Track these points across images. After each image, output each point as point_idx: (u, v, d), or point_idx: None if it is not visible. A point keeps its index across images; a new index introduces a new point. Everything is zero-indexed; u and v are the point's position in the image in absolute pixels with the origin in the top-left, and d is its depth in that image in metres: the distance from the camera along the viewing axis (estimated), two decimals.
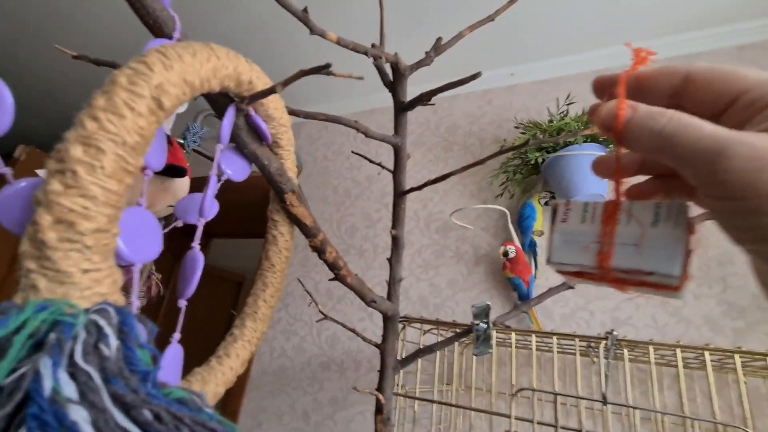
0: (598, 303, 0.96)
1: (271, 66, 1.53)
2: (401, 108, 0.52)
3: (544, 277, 1.04)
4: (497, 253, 1.11)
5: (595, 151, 0.94)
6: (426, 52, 0.51)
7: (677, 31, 1.08)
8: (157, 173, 0.42)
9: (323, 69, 0.24)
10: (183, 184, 0.43)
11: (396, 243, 0.58)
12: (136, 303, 0.20)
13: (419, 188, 0.53)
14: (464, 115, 1.35)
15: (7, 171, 0.18)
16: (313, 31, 0.39)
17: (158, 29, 0.25)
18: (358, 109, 1.59)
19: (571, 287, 0.55)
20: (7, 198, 0.17)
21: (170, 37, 0.25)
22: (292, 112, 0.49)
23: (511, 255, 1.00)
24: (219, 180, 0.30)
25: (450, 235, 1.20)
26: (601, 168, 0.22)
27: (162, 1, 0.25)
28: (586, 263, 0.20)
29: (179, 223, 0.29)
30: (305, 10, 0.37)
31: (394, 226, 0.57)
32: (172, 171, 0.41)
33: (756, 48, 1.02)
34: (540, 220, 1.05)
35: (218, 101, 0.28)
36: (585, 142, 0.94)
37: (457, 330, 0.60)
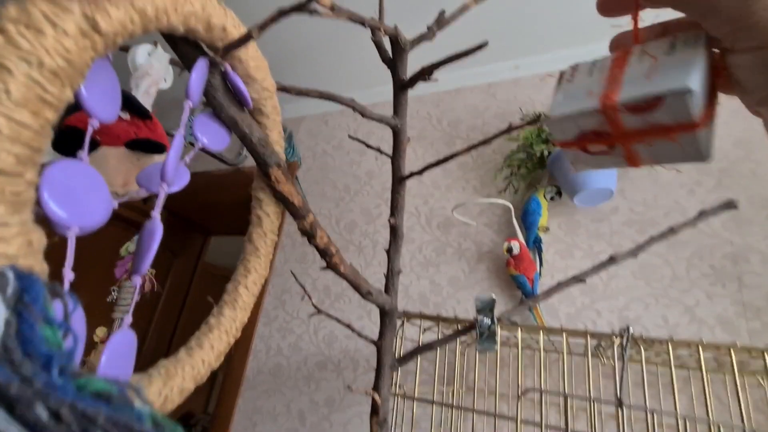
0: (605, 302, 0.92)
1: (277, 68, 1.51)
2: (401, 86, 0.48)
3: (550, 274, 1.00)
4: (500, 250, 1.07)
5: None
6: (428, 26, 0.48)
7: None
8: (131, 148, 0.39)
9: (305, 7, 0.20)
10: (151, 158, 0.39)
11: (394, 233, 0.54)
12: (70, 275, 0.16)
13: (419, 173, 0.49)
14: (467, 109, 1.31)
15: None
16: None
17: None
18: (365, 101, 1.55)
19: (582, 281, 0.51)
20: None
21: None
22: (282, 89, 0.45)
23: (515, 251, 0.97)
24: (193, 148, 0.26)
25: (452, 232, 1.17)
26: (617, 42, 0.21)
27: None
28: (588, 107, 0.18)
29: (142, 192, 0.25)
30: None
31: (392, 214, 0.54)
32: (149, 146, 0.37)
33: None
34: (545, 216, 1.01)
35: (187, 54, 0.24)
36: None
37: (459, 326, 0.56)
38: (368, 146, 0.58)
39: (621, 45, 0.21)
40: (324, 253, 0.38)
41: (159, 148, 0.38)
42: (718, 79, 0.17)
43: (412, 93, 1.38)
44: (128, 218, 1.63)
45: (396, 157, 0.52)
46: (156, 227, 0.20)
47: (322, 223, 1.43)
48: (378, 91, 1.50)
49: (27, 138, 0.13)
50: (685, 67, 0.16)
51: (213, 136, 0.28)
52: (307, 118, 1.67)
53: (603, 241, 0.98)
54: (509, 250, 0.97)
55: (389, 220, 0.53)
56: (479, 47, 0.37)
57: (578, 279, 0.50)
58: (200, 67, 0.23)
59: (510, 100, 1.26)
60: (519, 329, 0.54)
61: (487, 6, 1.08)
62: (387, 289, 0.54)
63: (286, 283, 1.35)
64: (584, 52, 1.17)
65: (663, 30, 0.20)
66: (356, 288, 0.44)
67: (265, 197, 0.34)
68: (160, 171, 0.23)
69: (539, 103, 1.20)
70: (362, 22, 0.42)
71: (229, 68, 0.25)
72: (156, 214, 0.21)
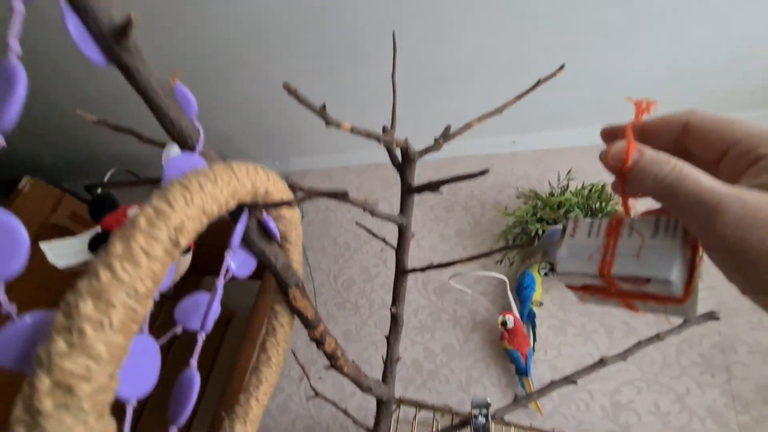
0: (597, 384, 0.93)
1: (282, 125, 1.59)
2: (408, 190, 0.52)
3: (543, 350, 1.01)
4: (495, 320, 1.09)
5: None
6: (435, 139, 0.53)
7: None
8: None
9: (340, 196, 0.24)
10: (186, 257, 0.43)
11: (395, 321, 0.57)
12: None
13: (422, 270, 0.52)
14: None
15: (12, 309, 0.17)
16: (328, 123, 0.41)
17: (183, 141, 0.26)
18: (363, 162, 1.63)
19: (573, 382, 0.53)
20: (9, 337, 0.17)
21: (193, 149, 0.26)
22: (299, 189, 0.49)
23: (510, 325, 0.98)
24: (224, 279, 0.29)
25: (447, 298, 1.18)
26: (613, 188, 0.23)
27: (188, 114, 0.26)
28: (589, 271, 0.21)
29: (178, 329, 0.28)
30: (323, 107, 0.38)
31: (394, 303, 0.56)
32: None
33: None
34: (539, 291, 1.04)
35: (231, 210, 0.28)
36: (586, 216, 0.96)
37: (454, 419, 0.57)
38: (374, 235, 0.61)
39: (611, 137, 0.23)
40: (331, 357, 0.40)
41: (187, 246, 0.41)
42: (698, 259, 0.20)
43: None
44: None
45: (400, 251, 0.55)
46: (194, 377, 0.23)
47: (320, 278, 1.45)
48: (383, 151, 1.57)
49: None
50: (667, 259, 0.19)
51: (242, 265, 0.31)
52: (312, 172, 1.73)
53: (595, 320, 1.00)
54: (504, 323, 0.99)
55: (391, 309, 0.56)
56: (482, 173, 0.42)
57: (570, 380, 0.52)
58: (243, 221, 0.27)
59: (507, 172, 1.32)
60: (512, 429, 0.55)
61: (490, 84, 1.18)
62: (385, 377, 0.56)
63: None
64: (579, 134, 1.25)
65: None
66: (358, 385, 0.46)
67: (281, 309, 0.36)
68: (201, 310, 0.26)
69: (534, 179, 1.26)
70: (377, 139, 0.47)
71: (265, 214, 0.29)
72: (193, 361, 0.24)
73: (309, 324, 0.37)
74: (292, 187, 0.47)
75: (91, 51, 0.21)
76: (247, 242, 0.31)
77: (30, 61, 1.42)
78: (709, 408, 0.83)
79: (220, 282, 0.26)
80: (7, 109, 0.16)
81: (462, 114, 1.32)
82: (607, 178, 1.10)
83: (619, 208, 0.95)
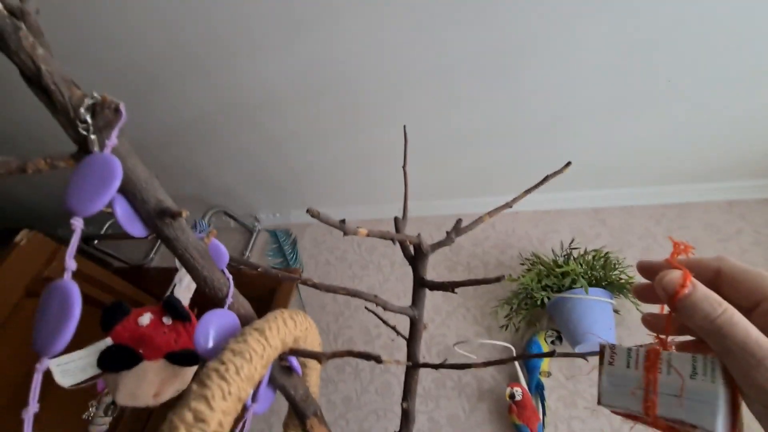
0: None
1: (283, 178, 1.61)
2: (421, 284, 0.52)
3: (553, 424, 0.97)
4: (501, 389, 1.05)
5: (602, 296, 0.94)
6: (447, 232, 0.54)
7: (671, 182, 1.17)
8: (171, 360, 0.41)
9: (372, 358, 0.23)
10: (190, 371, 0.41)
11: (406, 417, 0.54)
12: None
13: (435, 367, 0.51)
14: (468, 236, 1.38)
15: None
16: (346, 233, 0.41)
17: (213, 295, 0.25)
18: (364, 217, 1.64)
19: None
20: None
21: (223, 302, 0.25)
22: (313, 285, 0.49)
23: (518, 398, 0.95)
24: (246, 413, 0.28)
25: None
26: (648, 323, 0.25)
27: (220, 265, 0.26)
28: (633, 408, 0.21)
29: None
30: (342, 221, 0.39)
31: (404, 398, 0.54)
32: (187, 359, 0.39)
33: (745, 205, 1.09)
34: (547, 360, 1.01)
35: None
36: (590, 285, 0.95)
37: None
38: (386, 324, 0.60)
39: (649, 272, 0.24)
40: None
41: (195, 359, 0.40)
42: (740, 402, 0.20)
43: (416, 212, 1.46)
44: None
45: (412, 343, 0.54)
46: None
47: (321, 335, 1.41)
48: (389, 207, 1.58)
49: None
50: (711, 407, 0.19)
51: (262, 401, 0.30)
52: (313, 225, 1.74)
53: None
54: (512, 396, 0.96)
55: (402, 405, 0.54)
56: (497, 279, 0.42)
57: None
58: (269, 370, 0.26)
59: (508, 232, 1.33)
60: None
61: (491, 146, 1.21)
62: None
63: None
64: (578, 197, 1.28)
65: (682, 326, 0.23)
66: None
67: None
68: None
69: (535, 239, 1.27)
70: (392, 239, 0.47)
71: (292, 359, 0.28)
72: None
73: None
74: (313, 285, 0.47)
75: (134, 228, 0.21)
76: (269, 379, 0.30)
77: (36, 106, 1.46)
78: None
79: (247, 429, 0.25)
80: (64, 328, 0.16)
81: (458, 178, 1.35)
82: (605, 243, 1.11)
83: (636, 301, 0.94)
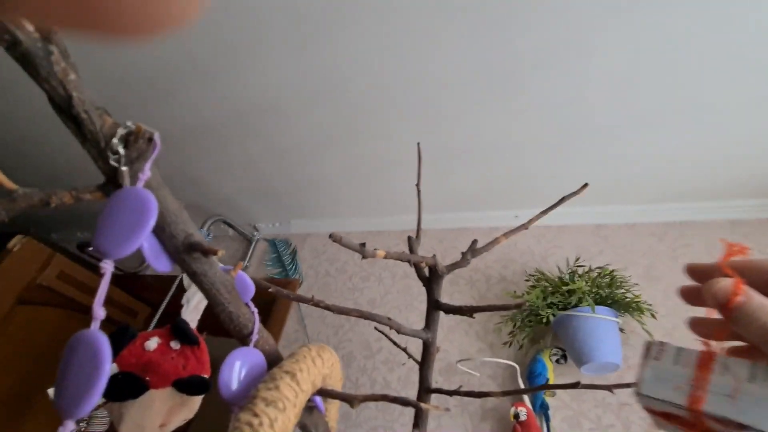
0: None
1: (284, 188, 1.60)
2: (436, 306, 0.51)
3: None
4: (505, 408, 1.04)
5: (607, 315, 0.93)
6: (462, 253, 0.53)
7: (673, 200, 1.17)
8: (178, 388, 0.39)
9: (410, 404, 0.22)
10: (196, 401, 0.39)
11: None
12: None
13: (449, 393, 0.50)
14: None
15: None
16: (365, 256, 0.40)
17: (238, 331, 0.24)
18: (366, 228, 1.62)
19: None
20: None
21: (248, 340, 0.24)
22: (326, 307, 0.47)
23: (523, 418, 0.93)
24: None
25: (454, 380, 1.13)
26: (697, 327, 0.23)
27: (245, 298, 0.25)
28: (676, 402, 0.21)
29: None
30: (363, 244, 0.38)
31: (416, 425, 0.52)
32: (195, 388, 0.38)
33: (748, 224, 1.10)
34: (552, 379, 1.00)
35: None
36: (596, 304, 0.94)
37: None
38: (397, 345, 0.59)
39: (699, 275, 0.23)
40: None
41: (204, 387, 0.38)
42: None
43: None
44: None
45: (425, 367, 0.53)
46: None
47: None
48: (390, 220, 1.57)
49: None
50: (766, 409, 0.19)
51: None
52: (313, 235, 1.72)
53: (611, 412, 0.96)
54: (516, 416, 0.94)
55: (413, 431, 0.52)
56: (518, 306, 0.41)
57: None
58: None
59: (511, 246, 1.33)
60: None
61: (494, 161, 1.21)
62: None
63: None
64: (580, 212, 1.27)
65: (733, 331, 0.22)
66: None
67: None
68: None
69: (538, 254, 1.27)
70: (408, 261, 0.46)
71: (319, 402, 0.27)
72: None
73: None
74: (326, 307, 0.45)
75: (160, 263, 0.20)
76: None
77: (34, 111, 1.43)
78: None
79: None
80: (92, 388, 0.15)
81: (463, 191, 1.35)
82: (608, 260, 1.11)
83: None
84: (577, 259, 1.05)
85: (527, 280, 1.11)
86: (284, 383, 0.20)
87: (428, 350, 0.52)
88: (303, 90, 1.10)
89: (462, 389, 1.09)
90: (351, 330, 1.37)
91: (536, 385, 1.00)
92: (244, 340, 0.24)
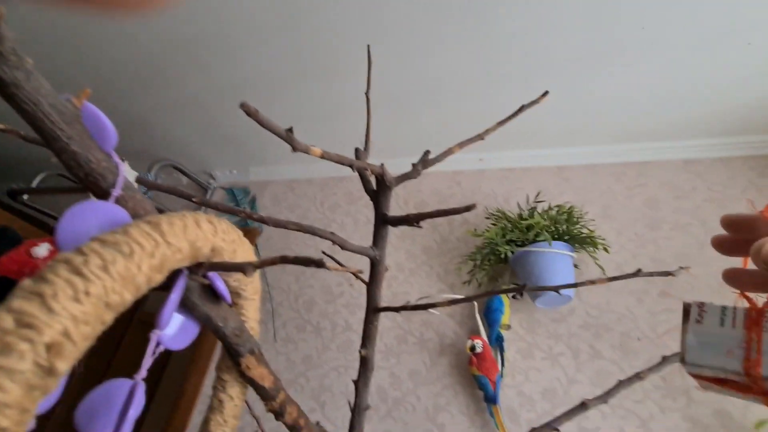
0: (564, 408, 0.91)
1: (241, 132, 1.49)
2: (383, 221, 0.47)
3: (511, 375, 0.99)
4: (463, 343, 1.06)
5: (564, 250, 0.94)
6: (413, 164, 0.48)
7: (631, 140, 1.17)
8: None
9: (313, 263, 0.18)
10: None
11: (365, 365, 0.51)
12: None
13: (396, 309, 0.47)
14: (433, 193, 1.35)
15: None
16: (296, 149, 0.34)
17: (92, 184, 0.19)
18: (327, 174, 1.56)
19: (556, 429, 0.50)
20: None
21: (107, 194, 0.19)
22: (259, 219, 0.43)
23: (479, 350, 0.95)
24: (156, 348, 0.22)
25: (414, 320, 1.14)
26: (731, 279, 0.22)
27: (103, 145, 0.19)
28: (730, 368, 0.20)
29: None
30: (290, 130, 0.32)
31: (363, 345, 0.50)
32: None
33: (700, 163, 1.12)
34: (507, 314, 1.02)
35: None
36: (554, 239, 0.95)
37: None
38: (341, 265, 0.55)
39: (736, 227, 0.22)
40: (292, 428, 0.34)
41: None
42: None
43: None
44: None
45: (372, 286, 0.50)
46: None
47: (279, 298, 1.35)
48: None
49: None
50: None
51: (179, 334, 0.24)
52: (273, 183, 1.64)
53: (562, 342, 0.99)
54: (472, 348, 0.96)
55: (360, 351, 0.50)
56: (467, 208, 0.37)
57: (552, 428, 0.49)
58: (179, 289, 0.20)
59: (474, 189, 1.31)
60: None
61: (459, 98, 1.16)
62: (352, 427, 0.49)
63: None
64: (543, 155, 1.26)
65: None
66: None
67: (231, 378, 0.29)
68: (111, 409, 0.19)
69: (501, 196, 1.26)
70: (350, 165, 0.41)
71: (213, 275, 0.22)
72: None
73: (267, 395, 0.30)
74: (260, 219, 0.40)
75: None
76: (185, 305, 0.24)
77: None
78: None
79: (143, 370, 0.19)
80: None
81: (432, 129, 1.30)
82: (568, 200, 1.12)
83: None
84: (538, 195, 1.04)
85: (488, 218, 1.10)
86: (138, 228, 0.16)
87: (376, 269, 0.49)
88: (254, 18, 0.98)
89: (423, 329, 1.08)
90: (312, 277, 1.34)
91: (495, 320, 1.01)
92: (103, 195, 0.19)
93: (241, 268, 0.19)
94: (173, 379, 1.96)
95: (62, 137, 0.17)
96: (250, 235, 1.49)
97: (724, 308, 0.21)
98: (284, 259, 0.19)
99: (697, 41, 0.87)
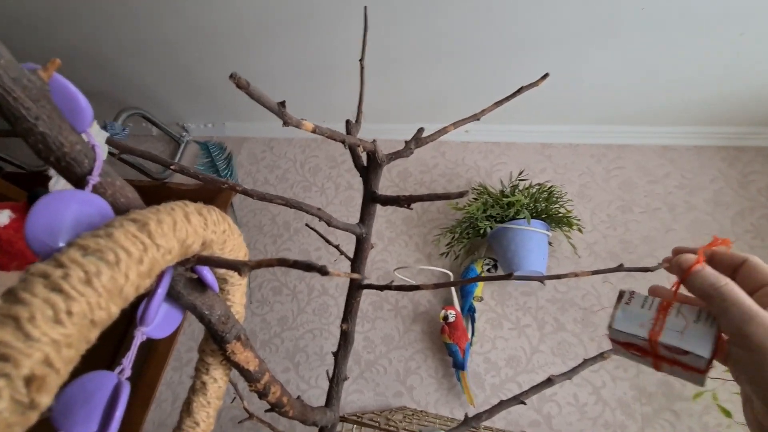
0: (526, 375, 0.98)
1: (217, 82, 1.39)
2: (372, 198, 0.46)
3: (479, 343, 1.04)
4: (436, 312, 1.09)
5: (541, 228, 0.97)
6: (405, 142, 0.47)
7: (613, 122, 1.18)
8: None
9: (316, 269, 0.17)
10: None
11: (345, 338, 0.51)
12: None
13: (380, 288, 0.47)
14: (417, 163, 1.33)
15: None
16: (287, 123, 0.32)
17: (66, 169, 0.16)
18: (309, 135, 1.50)
19: (523, 402, 0.53)
20: None
21: (82, 182, 0.17)
22: (243, 192, 0.41)
23: (451, 319, 0.99)
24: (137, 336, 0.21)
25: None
26: (655, 292, 0.30)
27: (77, 124, 0.17)
28: (639, 335, 0.27)
29: None
30: (282, 104, 0.30)
31: (345, 320, 0.51)
32: None
33: (676, 150, 1.15)
34: (481, 286, 1.05)
35: None
36: (532, 217, 0.97)
37: None
38: (328, 242, 0.54)
39: (657, 292, 0.30)
40: (276, 405, 0.34)
41: None
42: (720, 350, 0.26)
43: (367, 135, 1.37)
44: None
45: (357, 263, 0.49)
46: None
47: (256, 257, 1.33)
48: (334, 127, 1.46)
49: None
50: (705, 341, 0.25)
51: (163, 322, 0.23)
52: (251, 140, 1.57)
53: (529, 315, 1.04)
54: (445, 317, 0.99)
55: (341, 326, 0.50)
56: (460, 194, 0.37)
57: (519, 401, 0.52)
58: (165, 284, 0.19)
59: (458, 161, 1.30)
60: None
61: (448, 67, 1.12)
62: (330, 399, 0.51)
63: None
64: (528, 131, 1.26)
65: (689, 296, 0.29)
66: (303, 422, 0.41)
67: (215, 361, 0.29)
68: (93, 406, 0.18)
69: (483, 170, 1.26)
70: (342, 141, 0.39)
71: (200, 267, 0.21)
72: None
73: (251, 377, 0.30)
74: (244, 191, 0.38)
75: None
76: (170, 295, 0.22)
77: None
78: (619, 400, 0.91)
79: (127, 369, 0.18)
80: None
81: (423, 96, 1.26)
82: (549, 178, 1.13)
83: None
84: (521, 173, 1.05)
85: (470, 192, 1.10)
86: (122, 231, 0.14)
87: (362, 246, 0.49)
88: None
89: (398, 297, 1.11)
90: (290, 239, 1.33)
91: (468, 292, 1.05)
92: (78, 183, 0.16)
93: (236, 267, 0.18)
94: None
95: (28, 117, 0.14)
96: (225, 194, 1.44)
97: (646, 297, 0.29)
98: (283, 262, 0.17)
99: (693, 26, 0.86)
